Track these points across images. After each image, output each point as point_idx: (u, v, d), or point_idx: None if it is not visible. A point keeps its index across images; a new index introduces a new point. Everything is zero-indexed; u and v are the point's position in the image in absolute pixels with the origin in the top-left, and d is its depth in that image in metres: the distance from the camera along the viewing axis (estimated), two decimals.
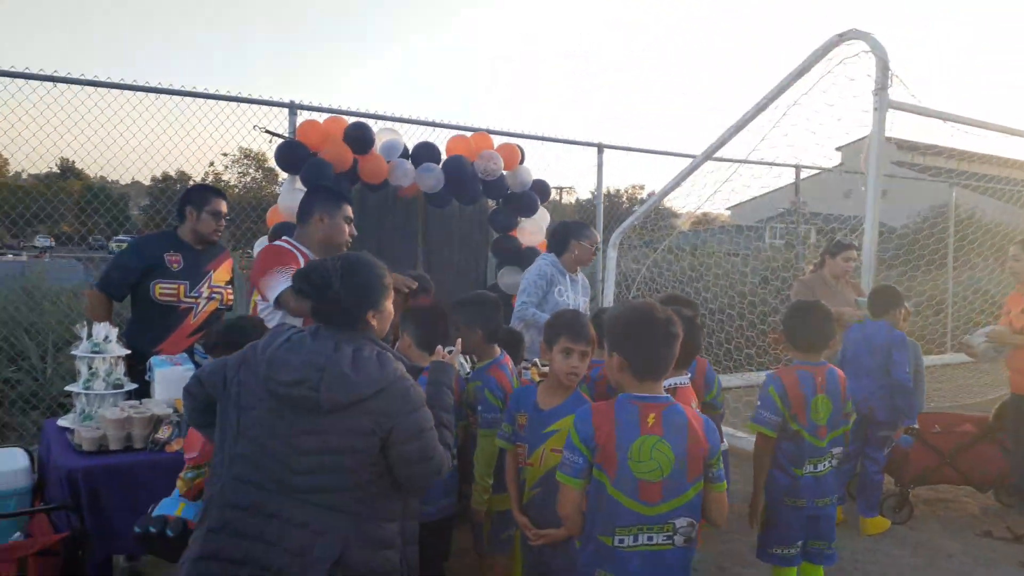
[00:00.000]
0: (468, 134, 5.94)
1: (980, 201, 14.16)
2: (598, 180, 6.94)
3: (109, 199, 7.84)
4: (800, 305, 3.27)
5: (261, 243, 4.71)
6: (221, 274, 4.07)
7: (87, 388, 3.18)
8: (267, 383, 2.05)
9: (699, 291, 7.71)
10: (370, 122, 5.54)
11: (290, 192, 5.08)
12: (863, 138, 5.17)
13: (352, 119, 5.46)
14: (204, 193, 4.05)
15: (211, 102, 5.49)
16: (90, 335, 3.24)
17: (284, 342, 2.11)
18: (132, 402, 3.17)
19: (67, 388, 3.28)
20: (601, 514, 2.21)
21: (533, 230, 6.06)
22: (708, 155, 5.61)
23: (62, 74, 4.93)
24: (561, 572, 2.52)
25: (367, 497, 2.06)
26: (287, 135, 5.52)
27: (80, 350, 3.22)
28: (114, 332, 3.28)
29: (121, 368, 3.29)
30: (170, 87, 5.28)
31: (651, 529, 2.18)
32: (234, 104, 5.47)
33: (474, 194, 5.83)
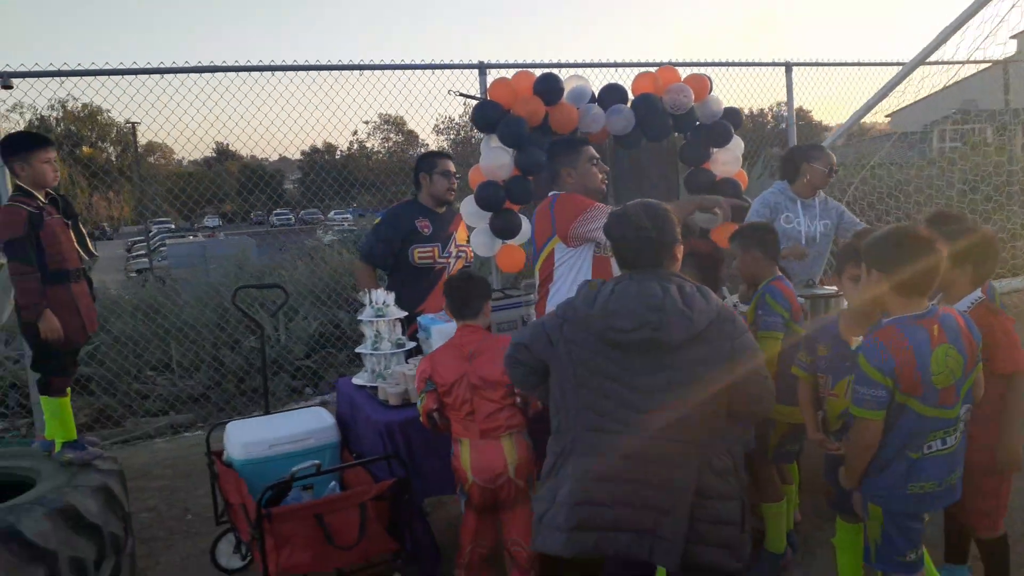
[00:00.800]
0: (653, 69, 5.83)
1: None
2: (788, 101, 6.67)
3: (264, 177, 8.31)
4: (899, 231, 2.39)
5: (467, 202, 4.86)
6: (461, 233, 4.36)
7: (375, 349, 3.49)
8: (605, 333, 2.17)
9: (901, 205, 7.32)
10: (557, 71, 5.56)
11: (488, 151, 5.21)
12: None
13: (539, 71, 5.50)
14: (432, 158, 4.30)
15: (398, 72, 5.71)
16: (371, 302, 3.52)
17: (610, 293, 2.22)
18: (417, 357, 3.44)
19: (357, 350, 3.60)
20: (905, 433, 2.29)
21: (727, 160, 5.91)
22: (921, 60, 5.25)
23: (218, 63, 5.20)
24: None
25: (712, 427, 2.16)
26: (479, 96, 5.64)
27: (365, 315, 3.51)
28: (391, 297, 3.56)
29: (399, 328, 3.57)
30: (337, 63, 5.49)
31: (948, 431, 2.31)
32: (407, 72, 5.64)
33: (664, 130, 5.76)
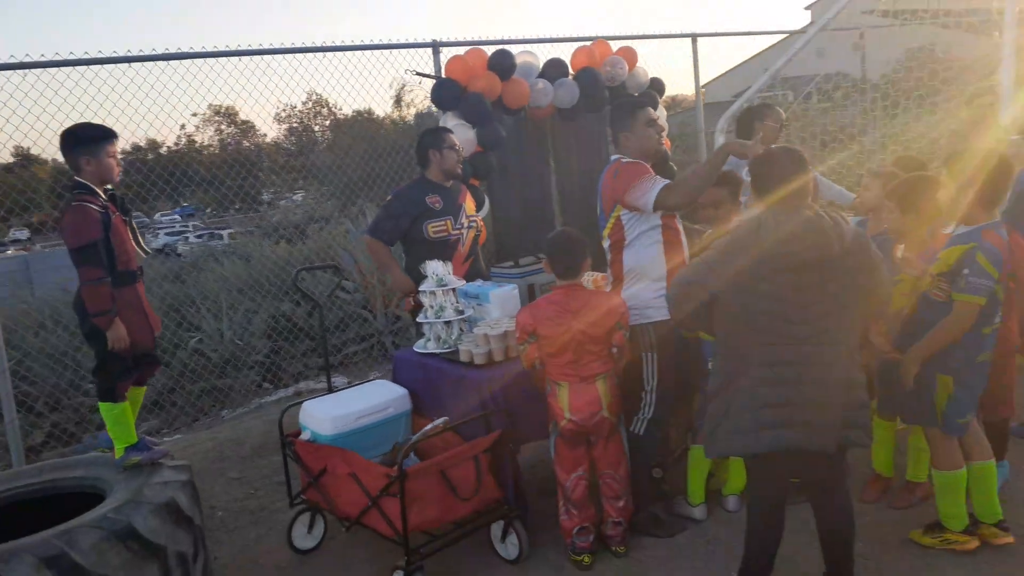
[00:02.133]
0: (587, 44, 6.22)
1: (957, 36, 14.75)
2: (695, 71, 7.33)
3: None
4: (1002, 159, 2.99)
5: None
6: (469, 205, 4.53)
7: (439, 316, 3.65)
8: (776, 260, 2.51)
9: None
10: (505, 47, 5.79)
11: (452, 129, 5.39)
12: None
13: (489, 48, 5.73)
14: (439, 133, 4.45)
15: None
16: (432, 273, 3.66)
17: (775, 225, 2.54)
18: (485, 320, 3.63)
19: (419, 320, 3.74)
20: (986, 311, 2.88)
21: None
22: (823, 26, 6.06)
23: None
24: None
25: (853, 328, 2.60)
26: (434, 75, 5.78)
27: (427, 286, 3.66)
28: (449, 267, 3.72)
29: (453, 297, 3.74)
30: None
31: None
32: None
33: (602, 102, 6.19)
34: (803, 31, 8.07)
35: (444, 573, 3.26)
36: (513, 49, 5.67)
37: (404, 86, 12.58)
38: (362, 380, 3.68)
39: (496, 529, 3.35)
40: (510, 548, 3.31)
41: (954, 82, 9.34)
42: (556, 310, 3.15)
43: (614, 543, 3.30)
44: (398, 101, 13.02)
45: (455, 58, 5.58)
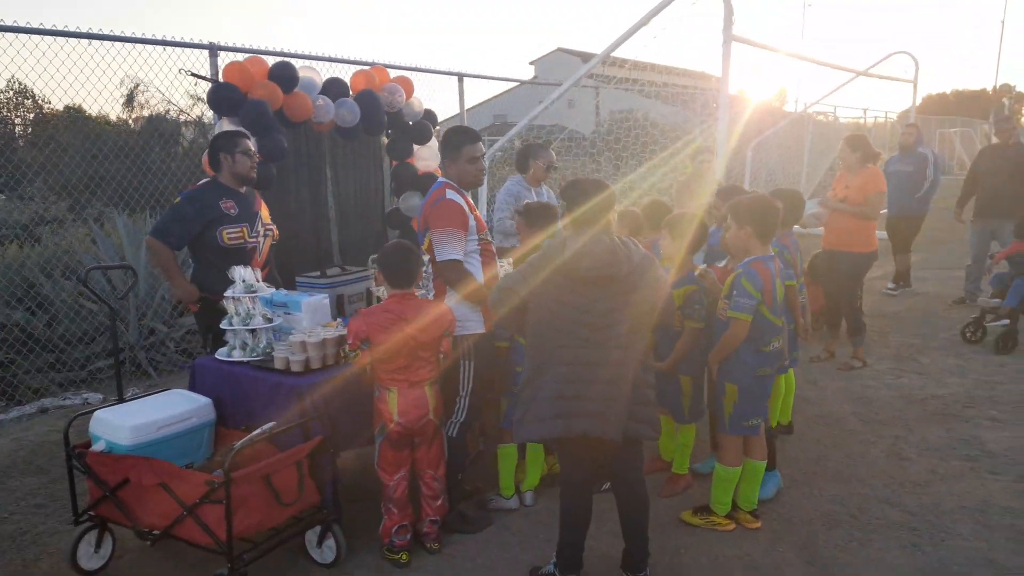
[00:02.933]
0: (367, 68, 6.38)
1: (654, 105, 17.26)
2: (460, 107, 7.77)
3: None
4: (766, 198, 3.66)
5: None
6: (264, 212, 4.42)
7: (247, 324, 3.55)
8: (573, 273, 2.89)
9: None
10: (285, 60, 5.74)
11: None
12: (552, 51, 6.72)
13: (269, 59, 5.64)
14: (232, 137, 4.30)
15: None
16: (241, 279, 3.55)
17: (578, 246, 2.93)
18: (313, 328, 3.59)
19: (223, 326, 3.57)
20: (760, 332, 3.49)
21: (427, 156, 6.77)
22: (575, 82, 6.84)
23: None
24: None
25: (642, 336, 3.04)
26: (211, 78, 5.53)
27: (236, 292, 3.53)
28: (259, 273, 3.63)
29: (259, 305, 3.65)
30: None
31: (778, 336, 3.57)
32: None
33: (381, 126, 6.37)
34: (556, 82, 8.94)
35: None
36: (293, 63, 5.65)
37: (138, 85, 11.51)
38: (115, 398, 3.40)
39: (311, 535, 3.33)
40: (327, 552, 3.31)
41: (652, 143, 10.99)
42: (390, 318, 3.26)
43: (429, 540, 3.46)
44: (129, 101, 11.86)
45: (234, 64, 5.41)
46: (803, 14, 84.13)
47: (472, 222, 3.58)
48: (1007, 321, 6.55)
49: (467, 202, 3.64)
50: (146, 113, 12.49)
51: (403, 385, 3.28)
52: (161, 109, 11.47)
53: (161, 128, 10.68)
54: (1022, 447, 4.52)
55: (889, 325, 7.54)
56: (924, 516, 3.73)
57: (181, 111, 12.32)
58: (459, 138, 3.70)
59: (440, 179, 3.73)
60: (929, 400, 5.38)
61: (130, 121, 12.78)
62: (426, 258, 3.63)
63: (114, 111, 12.68)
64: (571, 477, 3.12)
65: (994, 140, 8.28)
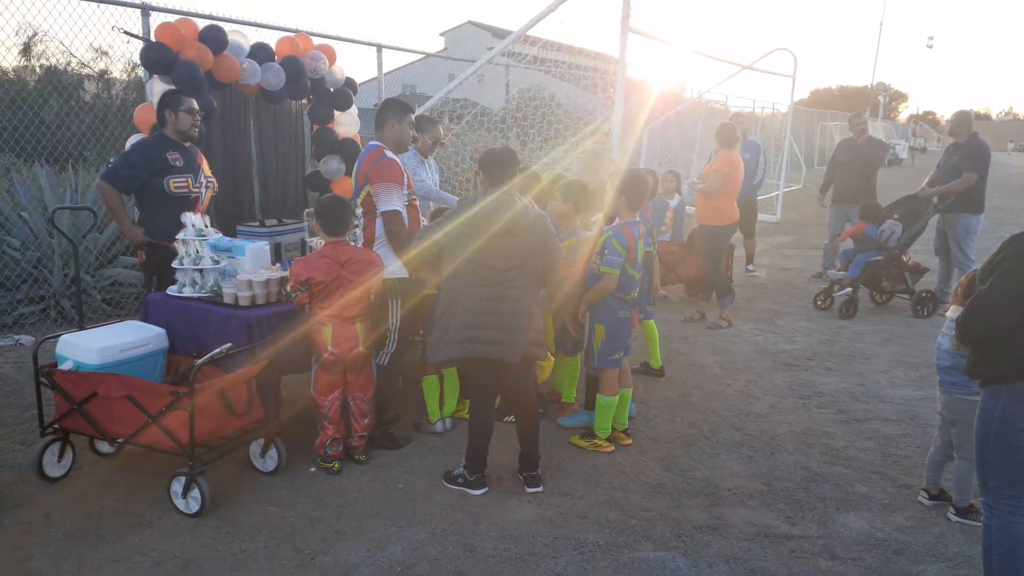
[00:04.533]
0: (292, 35, 6.74)
1: (560, 85, 18.03)
2: (379, 76, 8.21)
3: None
4: (640, 173, 4.49)
5: (135, 140, 5.15)
6: (205, 166, 4.84)
7: (196, 264, 4.01)
8: (482, 224, 3.54)
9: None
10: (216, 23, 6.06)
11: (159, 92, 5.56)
12: (462, 24, 7.31)
13: (200, 21, 5.96)
14: (177, 95, 4.69)
15: None
16: (191, 223, 4.01)
17: (488, 201, 3.57)
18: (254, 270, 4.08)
19: (175, 266, 4.02)
20: (623, 283, 4.23)
21: (347, 122, 7.23)
22: (490, 59, 7.42)
23: None
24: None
25: (535, 278, 3.72)
26: (143, 36, 5.80)
27: (187, 235, 3.99)
28: (208, 219, 4.09)
29: (207, 248, 4.12)
30: None
31: (635, 288, 4.34)
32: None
33: (304, 91, 6.78)
34: (470, 59, 9.48)
35: (215, 484, 3.65)
36: (223, 27, 5.98)
37: (35, 34, 11.21)
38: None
39: (255, 447, 3.87)
40: (269, 462, 3.86)
41: (557, 123, 11.75)
42: (327, 262, 3.80)
43: (357, 452, 4.06)
44: (26, 50, 11.51)
45: (166, 24, 5.70)
46: (700, 12, 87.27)
47: (406, 180, 4.16)
48: (849, 290, 7.68)
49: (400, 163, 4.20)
50: (43, 63, 12.14)
51: (336, 321, 3.85)
52: (60, 61, 11.24)
53: (61, 81, 10.52)
54: (844, 389, 5.52)
55: (756, 294, 8.61)
56: (761, 437, 4.62)
57: (83, 64, 12.07)
58: (404, 105, 4.25)
59: (373, 142, 4.25)
60: (779, 354, 6.37)
61: (30, 71, 12.41)
62: (359, 211, 4.18)
63: (6, 60, 12.27)
64: (477, 393, 3.80)
65: (850, 134, 9.42)
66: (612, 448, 4.37)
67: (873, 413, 5.06)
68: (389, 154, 4.11)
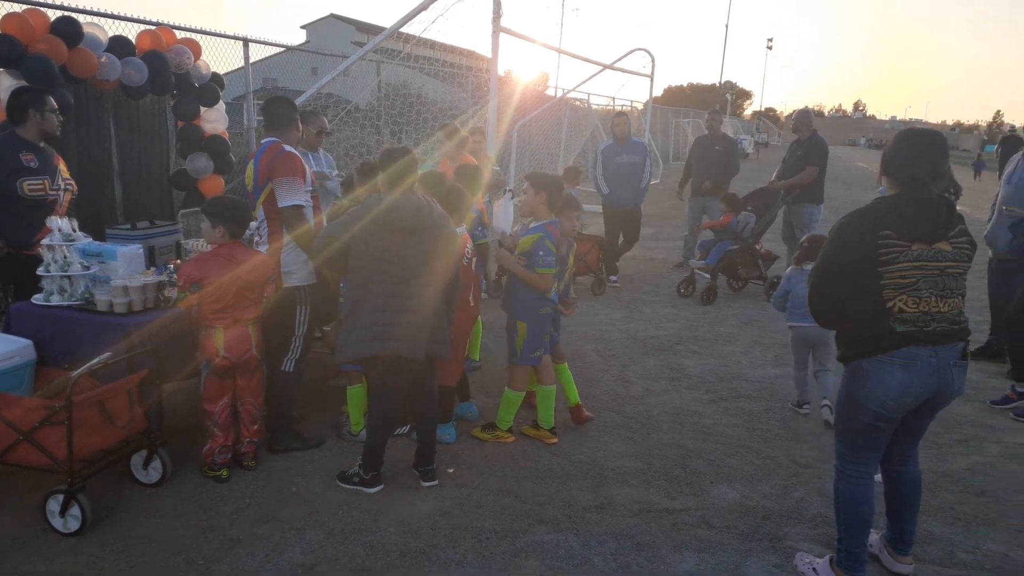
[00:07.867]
0: (153, 28, 6.43)
1: (428, 81, 18.07)
2: (246, 71, 7.93)
3: None
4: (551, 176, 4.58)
5: None
6: (62, 167, 4.56)
7: (65, 271, 3.80)
8: (389, 223, 3.56)
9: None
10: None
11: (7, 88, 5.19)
12: (325, 17, 7.39)
13: (52, 12, 5.59)
14: (42, 95, 4.41)
15: None
16: (58, 228, 3.79)
17: (394, 199, 3.61)
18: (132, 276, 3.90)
19: (39, 272, 3.78)
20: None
21: (215, 119, 6.98)
22: (361, 55, 7.36)
23: None
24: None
25: (441, 277, 3.78)
26: None
27: (54, 240, 3.77)
28: (75, 223, 3.87)
29: (75, 254, 3.91)
30: None
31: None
32: None
33: (169, 86, 6.49)
34: (341, 55, 9.32)
35: (95, 500, 3.47)
36: (77, 18, 5.63)
37: None
38: None
39: (137, 459, 3.72)
40: (152, 474, 3.73)
41: (431, 119, 11.80)
42: (221, 262, 3.71)
43: (247, 459, 3.98)
44: None
45: (12, 15, 5.34)
46: (569, 16, 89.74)
47: (308, 174, 4.11)
48: (708, 277, 8.23)
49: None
50: None
51: (228, 322, 3.76)
52: None
53: None
54: (710, 371, 5.95)
55: (624, 284, 9.04)
56: (638, 419, 4.91)
57: None
58: (292, 106, 4.19)
59: (269, 138, 4.07)
60: (649, 339, 6.76)
61: None
62: (259, 213, 4.08)
63: None
64: (380, 391, 3.82)
65: (705, 131, 10.07)
66: (512, 439, 4.50)
67: (737, 391, 5.50)
68: (289, 148, 4.05)
